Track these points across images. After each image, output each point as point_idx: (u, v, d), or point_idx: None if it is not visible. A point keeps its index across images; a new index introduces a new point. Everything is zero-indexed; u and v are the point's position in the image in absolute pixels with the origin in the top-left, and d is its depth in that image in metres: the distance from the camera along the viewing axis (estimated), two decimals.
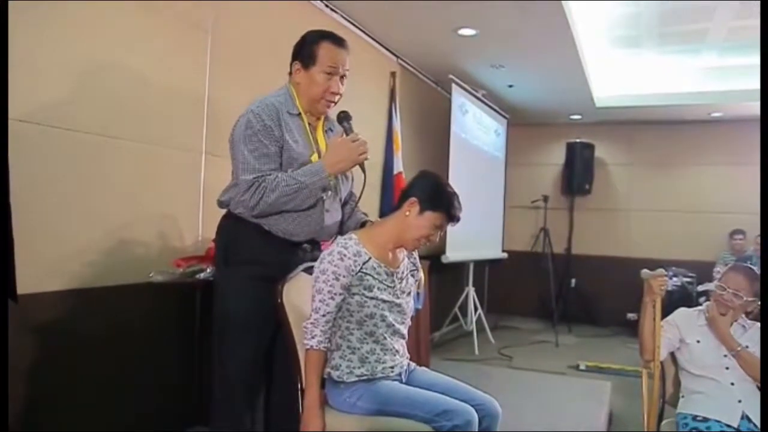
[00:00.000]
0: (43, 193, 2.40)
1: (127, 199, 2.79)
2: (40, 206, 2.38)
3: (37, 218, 2.36)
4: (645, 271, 2.57)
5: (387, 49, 5.44)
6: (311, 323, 2.05)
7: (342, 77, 2.29)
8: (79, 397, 2.56)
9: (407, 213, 2.13)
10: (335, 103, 2.32)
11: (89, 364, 2.60)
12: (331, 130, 2.44)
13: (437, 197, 2.13)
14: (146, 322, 2.87)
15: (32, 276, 2.32)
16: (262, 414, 2.35)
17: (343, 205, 2.47)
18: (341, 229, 2.45)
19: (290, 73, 2.33)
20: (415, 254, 2.32)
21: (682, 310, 2.76)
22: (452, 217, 2.14)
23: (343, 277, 2.04)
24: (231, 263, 2.26)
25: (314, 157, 2.26)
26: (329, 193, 2.29)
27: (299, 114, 2.28)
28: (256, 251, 2.23)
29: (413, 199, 2.12)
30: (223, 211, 2.35)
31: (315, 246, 2.37)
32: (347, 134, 2.27)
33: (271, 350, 2.30)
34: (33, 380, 2.37)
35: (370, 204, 4.96)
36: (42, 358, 2.40)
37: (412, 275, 2.28)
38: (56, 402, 2.46)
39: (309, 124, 2.31)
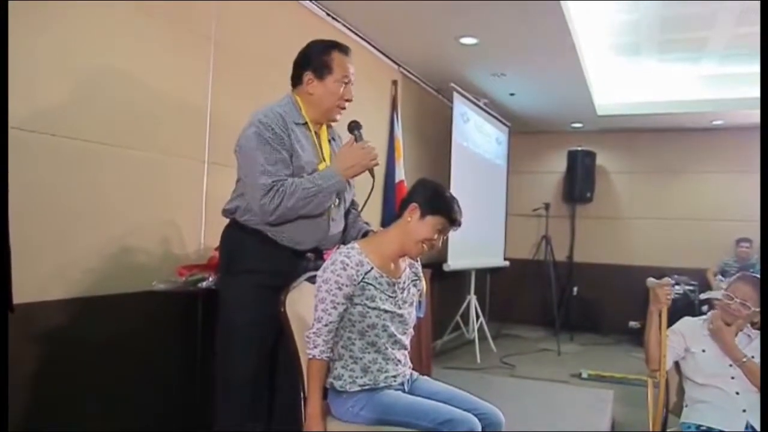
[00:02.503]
0: (45, 201, 2.40)
1: (129, 207, 2.79)
2: (42, 214, 2.38)
3: (39, 226, 2.36)
4: (651, 280, 2.56)
5: (389, 58, 5.46)
6: (314, 333, 2.04)
7: (351, 84, 2.34)
8: (81, 405, 2.56)
9: (409, 219, 2.14)
10: (345, 109, 2.37)
11: (91, 372, 2.59)
12: (334, 140, 2.47)
13: (437, 202, 2.14)
14: (149, 330, 2.86)
15: (35, 284, 2.33)
16: (264, 422, 2.35)
17: (345, 213, 2.48)
18: (344, 238, 2.46)
19: (295, 84, 2.35)
20: (417, 264, 2.33)
21: (687, 319, 2.75)
22: (453, 220, 2.14)
23: (346, 286, 2.04)
24: (235, 272, 2.27)
25: (322, 166, 2.29)
26: (336, 201, 2.32)
27: (305, 123, 2.30)
28: (261, 260, 2.24)
29: (414, 205, 2.13)
30: (226, 220, 2.36)
31: (318, 255, 2.38)
32: (357, 141, 2.30)
33: (274, 358, 2.30)
34: (35, 388, 2.37)
35: (371, 212, 4.96)
36: (44, 367, 2.40)
37: (414, 285, 2.27)
38: (58, 410, 2.46)
39: (315, 133, 2.34)
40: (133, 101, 2.80)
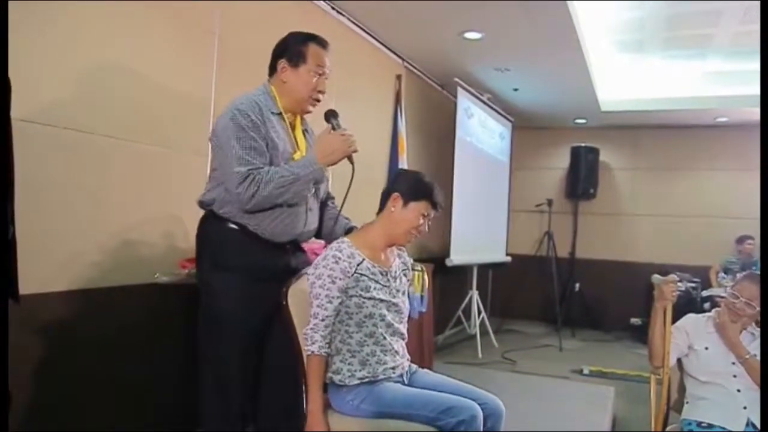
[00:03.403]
0: (50, 193, 2.41)
1: (133, 200, 2.80)
2: (47, 206, 2.39)
3: (43, 218, 2.37)
4: (656, 276, 2.57)
5: (393, 52, 5.45)
6: (311, 329, 2.06)
7: (326, 78, 2.35)
8: (83, 397, 2.57)
9: (392, 209, 2.18)
10: (319, 102, 2.37)
11: (94, 364, 2.60)
12: (307, 132, 2.48)
13: (417, 188, 2.19)
14: (151, 322, 2.87)
15: (38, 276, 2.33)
16: (254, 420, 2.35)
17: (322, 205, 2.49)
18: (320, 233, 2.48)
19: (271, 74, 2.37)
20: (405, 254, 2.37)
21: (690, 316, 2.75)
22: (435, 203, 2.19)
23: (340, 279, 2.06)
24: (219, 266, 2.25)
25: (296, 155, 2.29)
26: (312, 190, 2.32)
27: (280, 113, 2.31)
28: (244, 254, 2.23)
29: (395, 194, 2.18)
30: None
31: (296, 247, 2.39)
32: (335, 129, 2.31)
33: (262, 351, 2.31)
34: (38, 380, 2.38)
35: (374, 206, 4.96)
36: (47, 358, 2.41)
37: (404, 275, 2.31)
38: (61, 402, 2.47)
39: (290, 123, 2.36)
40: (137, 95, 2.80)
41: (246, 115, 2.17)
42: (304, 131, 2.45)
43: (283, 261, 2.30)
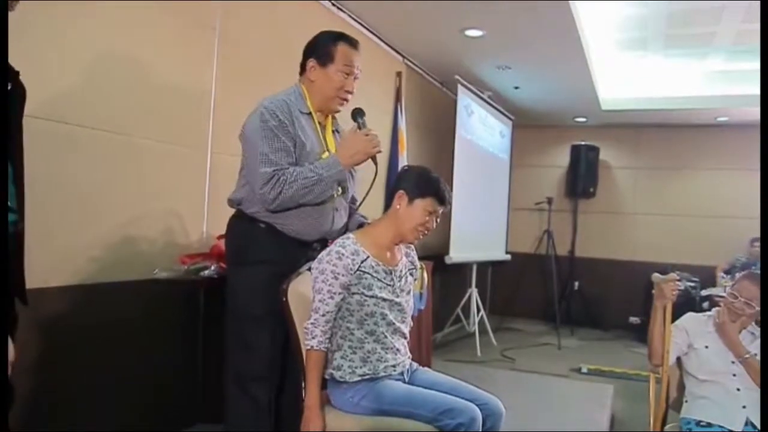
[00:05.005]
0: (49, 188, 2.40)
1: (132, 195, 2.79)
2: (46, 202, 2.38)
3: (42, 213, 2.36)
4: (656, 275, 2.56)
5: (393, 49, 5.45)
6: (311, 323, 2.05)
7: (355, 78, 2.34)
8: (82, 392, 2.57)
9: (398, 207, 2.16)
10: (347, 102, 2.36)
11: (92, 359, 2.60)
12: (338, 132, 2.47)
13: (423, 184, 2.15)
14: (150, 318, 2.87)
15: (38, 271, 2.32)
16: (275, 411, 2.35)
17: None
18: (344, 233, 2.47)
19: (301, 73, 2.36)
20: (413, 253, 2.34)
21: (691, 314, 2.75)
22: (441, 199, 2.15)
23: (342, 276, 2.05)
24: (244, 263, 2.27)
25: (325, 155, 2.29)
26: (339, 190, 2.32)
27: (309, 113, 2.31)
28: (269, 251, 2.24)
29: (401, 192, 2.16)
30: (230, 210, 2.36)
31: (324, 245, 2.38)
32: (360, 129, 2.31)
33: (285, 347, 2.31)
34: (36, 375, 2.37)
35: (374, 204, 4.95)
36: (46, 353, 2.41)
37: (411, 274, 2.29)
38: (59, 396, 2.47)
39: (319, 123, 2.34)
40: (136, 90, 2.80)
41: (274, 114, 2.18)
42: (335, 131, 2.45)
43: (309, 258, 2.29)
